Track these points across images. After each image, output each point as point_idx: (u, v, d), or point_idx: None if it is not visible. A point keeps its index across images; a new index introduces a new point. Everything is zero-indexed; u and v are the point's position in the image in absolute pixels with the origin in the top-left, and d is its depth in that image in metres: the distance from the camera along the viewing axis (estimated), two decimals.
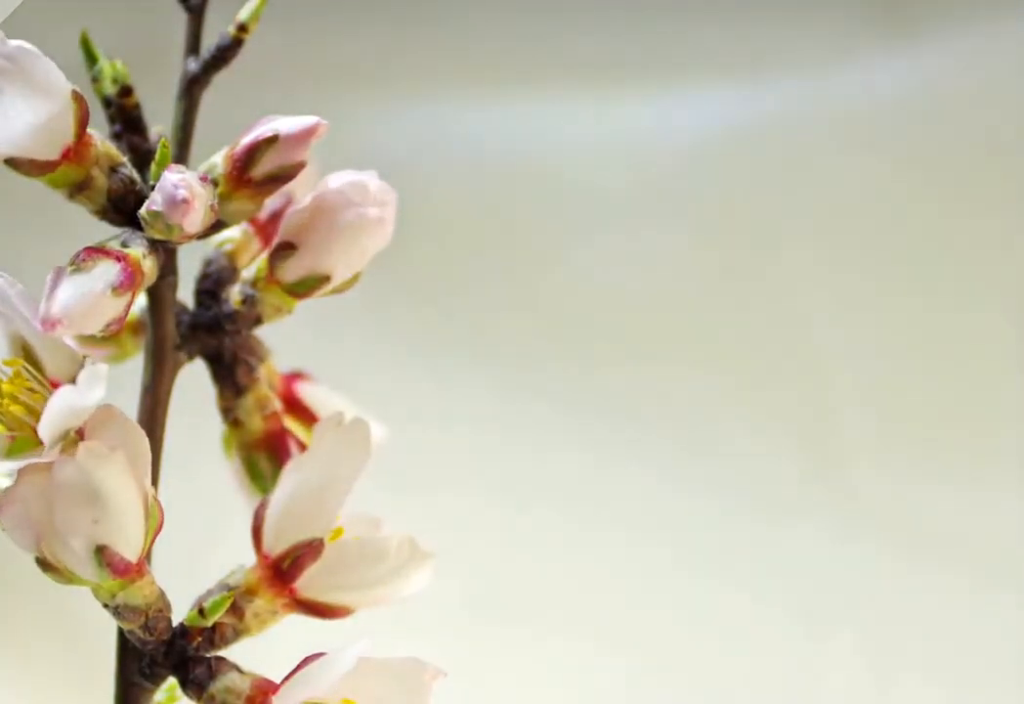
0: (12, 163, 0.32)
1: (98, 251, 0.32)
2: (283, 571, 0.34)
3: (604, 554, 0.77)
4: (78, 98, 0.32)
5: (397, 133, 0.85)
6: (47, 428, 0.30)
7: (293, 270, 0.34)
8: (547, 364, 0.82)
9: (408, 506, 0.72)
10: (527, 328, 0.82)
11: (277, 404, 0.38)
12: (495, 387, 0.82)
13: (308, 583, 0.34)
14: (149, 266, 0.33)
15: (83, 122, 0.33)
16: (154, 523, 0.32)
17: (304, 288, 0.35)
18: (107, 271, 0.31)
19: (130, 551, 0.31)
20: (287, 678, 0.32)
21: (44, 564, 0.31)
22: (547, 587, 0.76)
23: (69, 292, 0.31)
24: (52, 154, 0.32)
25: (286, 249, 0.34)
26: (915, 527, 0.77)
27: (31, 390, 0.32)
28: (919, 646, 0.74)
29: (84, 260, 0.31)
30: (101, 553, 0.31)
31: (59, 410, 0.30)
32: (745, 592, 0.76)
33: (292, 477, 0.34)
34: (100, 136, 0.34)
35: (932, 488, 0.78)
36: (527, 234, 0.84)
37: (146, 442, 0.32)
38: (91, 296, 0.31)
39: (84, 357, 0.32)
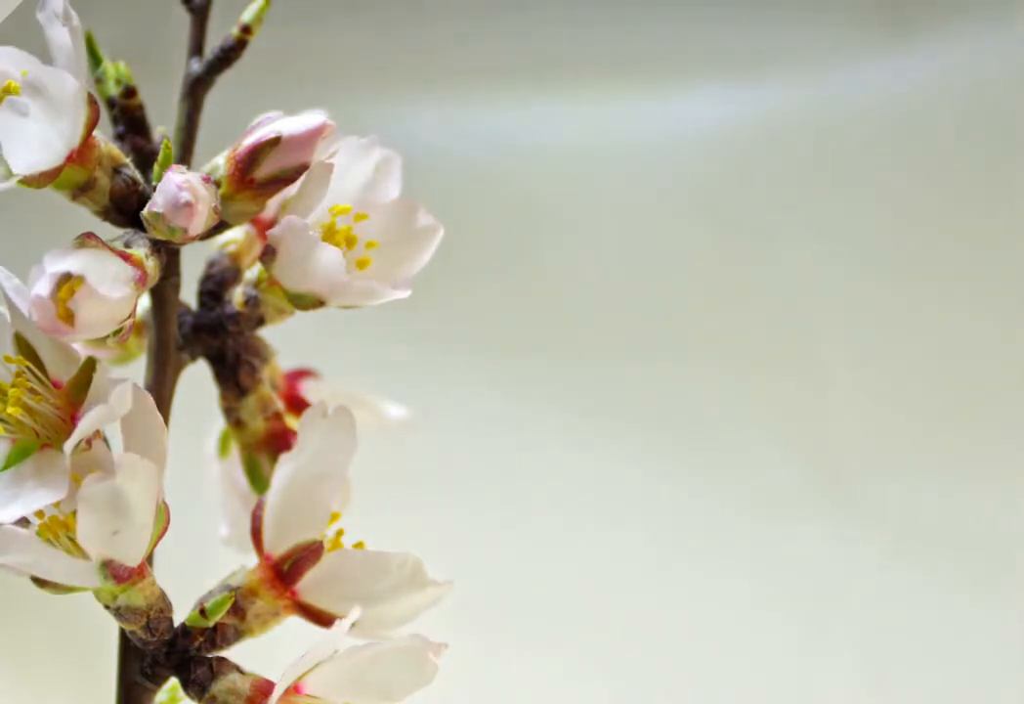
0: (23, 180, 0.31)
1: (101, 243, 0.31)
2: (284, 573, 0.34)
3: (601, 555, 0.77)
4: (91, 102, 0.32)
5: (397, 133, 0.85)
6: (73, 444, 0.30)
7: (280, 273, 0.33)
8: (547, 365, 0.82)
9: (407, 507, 0.72)
10: (527, 328, 0.82)
11: (280, 404, 0.38)
12: (493, 385, 0.81)
13: (309, 588, 0.34)
14: (152, 267, 0.32)
15: (92, 126, 0.32)
16: (160, 526, 0.32)
17: (303, 304, 0.34)
18: (117, 262, 0.31)
19: (135, 557, 0.31)
20: None
21: (39, 580, 0.31)
22: (544, 589, 0.76)
23: (82, 259, 0.30)
24: (59, 161, 0.32)
25: (270, 253, 0.33)
26: (915, 529, 0.77)
27: (32, 391, 0.31)
28: (919, 647, 0.74)
29: (89, 238, 0.31)
30: (107, 566, 0.31)
31: (90, 427, 0.30)
32: (744, 593, 0.76)
33: (283, 473, 0.34)
34: (103, 137, 0.33)
35: (932, 490, 0.78)
36: (525, 234, 0.84)
37: (166, 439, 0.32)
38: (109, 276, 0.30)
39: (94, 360, 0.31)
